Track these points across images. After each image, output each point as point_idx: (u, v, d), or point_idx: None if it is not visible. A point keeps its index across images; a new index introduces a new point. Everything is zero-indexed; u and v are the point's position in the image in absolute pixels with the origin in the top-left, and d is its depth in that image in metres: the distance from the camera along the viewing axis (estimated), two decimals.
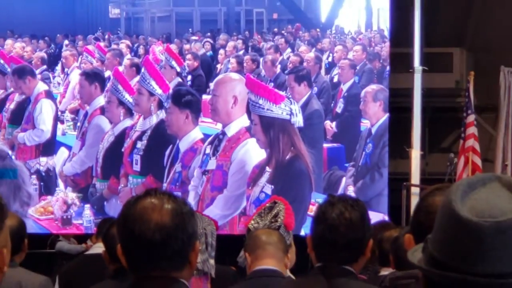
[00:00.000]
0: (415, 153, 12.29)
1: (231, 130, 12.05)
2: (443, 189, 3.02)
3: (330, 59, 12.74)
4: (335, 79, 12.70)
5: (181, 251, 2.88)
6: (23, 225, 4.94)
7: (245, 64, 12.58)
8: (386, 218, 11.39)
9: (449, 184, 3.17)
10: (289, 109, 11.90)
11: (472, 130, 12.36)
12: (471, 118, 12.44)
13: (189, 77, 12.54)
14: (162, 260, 2.85)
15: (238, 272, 5.60)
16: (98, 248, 5.38)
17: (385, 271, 4.64)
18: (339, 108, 12.61)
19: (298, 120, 11.86)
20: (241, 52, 12.62)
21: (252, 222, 5.17)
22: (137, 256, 2.89)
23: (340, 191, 12.21)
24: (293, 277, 4.77)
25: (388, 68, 12.58)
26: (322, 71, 12.67)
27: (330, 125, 12.56)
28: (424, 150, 12.96)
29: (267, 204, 5.34)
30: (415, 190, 11.82)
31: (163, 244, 2.84)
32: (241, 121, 12.06)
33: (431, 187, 3.13)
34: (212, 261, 4.37)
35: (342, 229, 3.62)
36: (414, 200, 11.15)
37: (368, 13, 12.72)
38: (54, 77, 12.55)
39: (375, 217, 11.41)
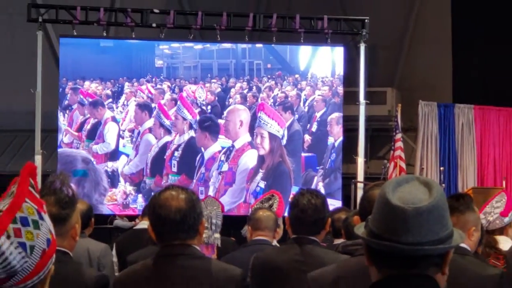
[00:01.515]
0: (360, 160, 12.21)
1: (238, 144, 12.12)
2: (379, 185, 3.00)
3: (305, 95, 12.66)
4: (312, 109, 12.59)
5: (193, 225, 2.89)
6: (91, 208, 4.94)
7: (248, 99, 12.52)
8: (340, 204, 11.36)
9: (383, 181, 3.13)
10: (283, 132, 12.03)
11: (399, 144, 12.34)
12: (399, 135, 12.44)
13: (209, 107, 12.47)
14: (180, 232, 2.88)
15: (236, 242, 5.54)
16: (144, 224, 5.34)
17: (337, 241, 4.59)
18: (314, 128, 12.51)
19: (285, 140, 12.09)
20: (245, 91, 12.56)
21: (256, 206, 5.16)
22: (163, 231, 2.90)
23: (313, 186, 12.15)
24: (278, 245, 4.73)
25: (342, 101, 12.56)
26: (301, 104, 12.58)
27: (307, 140, 12.47)
28: (366, 158, 12.87)
29: (267, 195, 5.33)
30: (360, 185, 11.77)
31: (181, 222, 2.86)
32: (245, 138, 12.17)
33: (371, 184, 3.11)
34: (217, 235, 4.35)
35: (309, 211, 3.60)
36: (359, 192, 11.12)
37: (332, 63, 12.66)
38: (117, 107, 12.47)
39: (336, 203, 11.39)
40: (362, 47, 12.39)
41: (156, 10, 12.26)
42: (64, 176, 2.79)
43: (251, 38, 12.84)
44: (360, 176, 12.03)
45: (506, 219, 5.17)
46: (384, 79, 14.43)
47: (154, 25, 12.18)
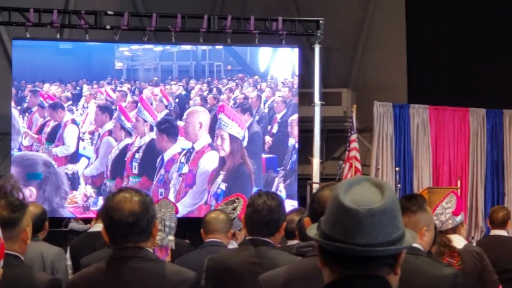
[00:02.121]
0: (316, 161, 12.27)
1: (198, 146, 12.13)
2: (329, 186, 3.00)
3: (265, 97, 12.68)
4: (272, 111, 12.62)
5: (146, 228, 2.88)
6: (45, 211, 4.88)
7: (208, 101, 12.50)
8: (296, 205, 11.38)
9: (333, 182, 3.14)
10: (243, 134, 12.04)
11: (355, 145, 12.37)
12: (354, 136, 12.46)
13: (170, 109, 12.44)
14: (133, 235, 2.87)
15: (192, 244, 5.51)
16: (98, 227, 5.31)
17: (291, 242, 4.60)
18: (274, 130, 12.53)
19: (246, 141, 12.10)
20: (205, 93, 12.54)
21: (219, 208, 5.15)
22: (117, 234, 2.88)
23: (274, 187, 12.18)
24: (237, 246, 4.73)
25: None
26: (262, 105, 12.59)
27: (268, 141, 12.48)
28: (322, 158, 12.95)
29: (232, 198, 5.32)
30: (316, 187, 11.81)
31: (134, 224, 2.85)
32: (205, 140, 12.18)
33: (321, 184, 3.12)
34: (171, 237, 4.33)
35: (264, 212, 3.60)
36: None
37: (292, 65, 12.70)
38: (77, 110, 12.37)
39: (297, 204, 11.43)
40: (317, 48, 12.45)
41: (110, 12, 12.17)
42: (14, 179, 2.76)
43: (206, 40, 12.81)
44: (316, 177, 12.07)
45: (458, 218, 5.25)
46: (339, 80, 14.56)
47: (108, 27, 12.09)
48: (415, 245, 3.24)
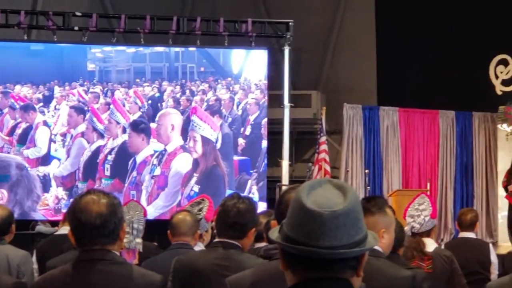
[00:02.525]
0: (285, 163, 12.29)
1: (170, 148, 12.11)
2: (295, 188, 3.00)
3: (238, 99, 12.69)
4: (245, 113, 12.62)
5: (114, 231, 2.86)
6: (11, 214, 4.82)
7: (181, 102, 12.48)
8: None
9: (299, 185, 3.13)
10: (217, 136, 12.03)
11: (324, 147, 12.40)
12: (323, 138, 12.50)
13: (143, 111, 12.40)
14: (100, 237, 2.85)
15: (159, 246, 5.50)
16: (65, 230, 5.26)
17: (259, 245, 4.60)
18: (247, 132, 12.53)
19: (219, 143, 12.09)
20: (178, 94, 12.52)
21: (185, 209, 5.14)
22: (83, 236, 2.86)
23: (247, 189, 12.19)
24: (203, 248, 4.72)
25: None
26: (235, 107, 12.59)
27: (241, 143, 12.48)
28: (291, 161, 12.96)
29: (197, 199, 5.32)
30: (285, 189, 11.84)
31: (102, 227, 2.83)
32: (177, 142, 12.17)
33: (288, 186, 3.12)
34: (138, 240, 4.32)
35: (231, 214, 3.60)
36: None
37: (265, 67, 12.71)
38: (48, 111, 12.27)
39: (266, 206, 11.44)
40: (287, 50, 12.47)
41: (78, 13, 12.07)
42: None
43: (176, 42, 12.75)
44: (285, 180, 12.05)
45: (433, 221, 5.31)
46: (309, 82, 14.57)
47: (76, 28, 12.00)
48: (375, 247, 3.23)
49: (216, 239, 3.70)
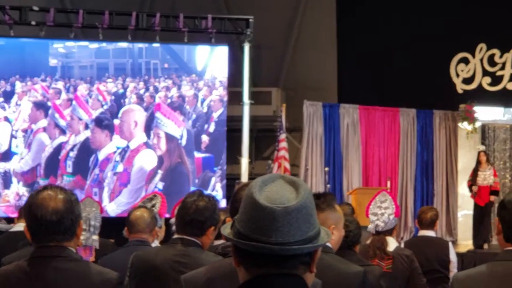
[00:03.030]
0: (244, 161, 12.31)
1: (133, 144, 12.07)
2: (249, 185, 3.01)
3: (203, 96, 12.68)
4: (209, 110, 12.61)
5: (70, 227, 2.81)
6: None
7: (145, 99, 12.43)
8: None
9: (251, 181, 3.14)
10: (181, 133, 12.01)
11: (284, 144, 12.38)
12: (283, 136, 12.47)
13: (106, 107, 12.33)
14: (56, 234, 2.81)
15: (115, 243, 5.47)
16: (20, 226, 5.22)
17: (218, 242, 4.61)
18: (211, 129, 12.53)
19: (184, 140, 12.06)
20: (142, 91, 12.47)
21: (139, 205, 5.13)
22: (39, 232, 2.82)
23: (210, 187, 12.19)
24: (158, 245, 4.71)
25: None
26: (199, 104, 12.59)
27: (205, 140, 12.48)
28: (251, 158, 12.96)
29: (150, 195, 5.31)
30: (239, 185, 11.81)
31: (58, 223, 2.79)
32: (140, 138, 12.14)
33: (241, 184, 3.12)
34: (95, 237, 4.30)
35: (190, 211, 3.58)
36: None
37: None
38: (9, 107, 12.14)
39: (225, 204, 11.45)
40: (246, 47, 12.49)
41: (35, 8, 11.92)
42: None
43: (135, 38, 12.67)
44: (244, 177, 12.06)
45: (396, 220, 5.34)
46: (269, 79, 14.55)
47: (33, 23, 11.87)
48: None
49: (175, 236, 3.67)
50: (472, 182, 12.17)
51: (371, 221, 5.24)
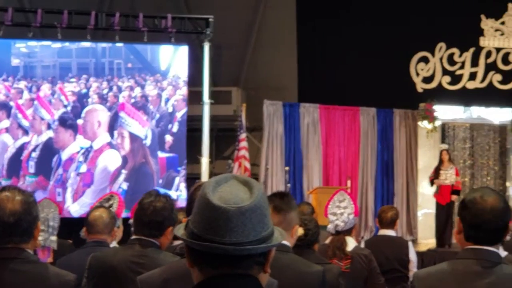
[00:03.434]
0: (205, 160, 12.30)
1: (96, 145, 12.03)
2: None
3: (167, 95, 12.66)
4: (173, 109, 12.60)
5: (28, 229, 2.81)
6: None
7: (108, 99, 12.38)
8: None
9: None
10: (146, 133, 11.97)
11: (244, 144, 12.40)
12: (243, 135, 12.49)
13: (69, 108, 12.26)
14: (14, 236, 2.81)
15: (74, 244, 5.45)
16: None
17: (176, 242, 4.62)
18: (174, 129, 12.52)
19: (148, 140, 12.06)
20: (105, 91, 12.42)
21: (96, 205, 5.12)
22: None
23: (174, 186, 12.17)
24: (117, 246, 4.70)
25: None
26: (162, 103, 12.57)
27: (169, 140, 12.47)
28: (211, 158, 12.95)
29: (107, 196, 5.31)
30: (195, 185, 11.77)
31: (15, 225, 2.79)
32: (103, 138, 12.08)
33: (196, 184, 3.11)
34: (53, 238, 4.29)
35: (148, 212, 3.59)
36: None
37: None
38: None
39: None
40: (206, 46, 12.50)
41: None
42: None
43: (94, 37, 12.58)
44: (205, 177, 12.05)
45: (356, 219, 5.34)
46: (230, 78, 14.58)
47: None
48: (284, 242, 3.30)
49: (133, 236, 3.67)
50: (434, 177, 12.20)
51: (330, 221, 5.24)
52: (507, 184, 14.01)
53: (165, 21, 12.19)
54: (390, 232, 6.21)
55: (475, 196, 2.78)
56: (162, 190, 11.74)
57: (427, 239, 12.84)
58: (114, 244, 4.59)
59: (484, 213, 2.73)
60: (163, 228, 3.61)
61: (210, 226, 1.70)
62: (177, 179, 12.27)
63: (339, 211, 5.20)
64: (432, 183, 12.22)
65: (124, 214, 5.49)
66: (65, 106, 12.15)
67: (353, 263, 5.13)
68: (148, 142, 12.13)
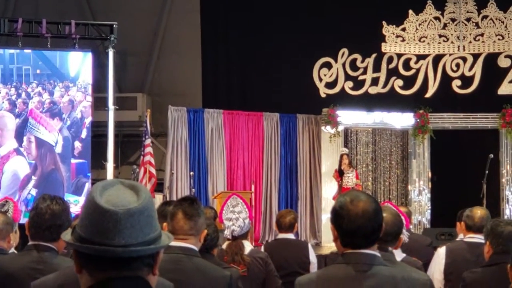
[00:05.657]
0: (110, 165, 12.60)
1: (3, 151, 11.89)
2: None
3: (76, 102, 12.56)
4: (81, 115, 12.50)
5: None
6: None
7: (18, 105, 12.22)
8: None
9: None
10: (56, 139, 11.80)
11: (149, 149, 12.58)
12: (148, 141, 12.68)
13: None
14: None
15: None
16: None
17: None
18: (83, 135, 12.49)
19: (59, 147, 12.07)
20: (14, 97, 12.22)
21: None
22: None
23: (84, 192, 12.14)
24: (15, 252, 4.62)
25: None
26: (73, 110, 12.46)
27: (78, 146, 12.37)
28: (117, 163, 13.23)
29: (1, 202, 5.23)
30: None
31: None
32: (10, 145, 11.93)
33: (164, 200, 3.11)
34: None
35: (46, 216, 3.51)
36: None
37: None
38: None
39: None
40: (111, 53, 13.06)
41: None
42: None
43: None
44: None
45: (250, 222, 5.35)
46: (134, 84, 15.02)
47: None
48: (192, 246, 3.46)
49: (30, 242, 3.60)
50: (339, 174, 12.37)
51: (226, 226, 5.26)
52: (409, 187, 14.34)
53: (69, 27, 12.12)
54: (289, 236, 6.21)
55: (345, 202, 2.77)
56: (72, 196, 11.63)
57: (331, 242, 12.92)
58: (12, 250, 4.51)
59: (357, 218, 2.70)
60: (61, 231, 3.55)
61: (98, 229, 1.71)
62: (87, 185, 12.54)
63: (234, 216, 5.25)
64: (341, 172, 12.37)
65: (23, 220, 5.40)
66: None
67: (250, 267, 5.18)
68: (59, 148, 12.00)
